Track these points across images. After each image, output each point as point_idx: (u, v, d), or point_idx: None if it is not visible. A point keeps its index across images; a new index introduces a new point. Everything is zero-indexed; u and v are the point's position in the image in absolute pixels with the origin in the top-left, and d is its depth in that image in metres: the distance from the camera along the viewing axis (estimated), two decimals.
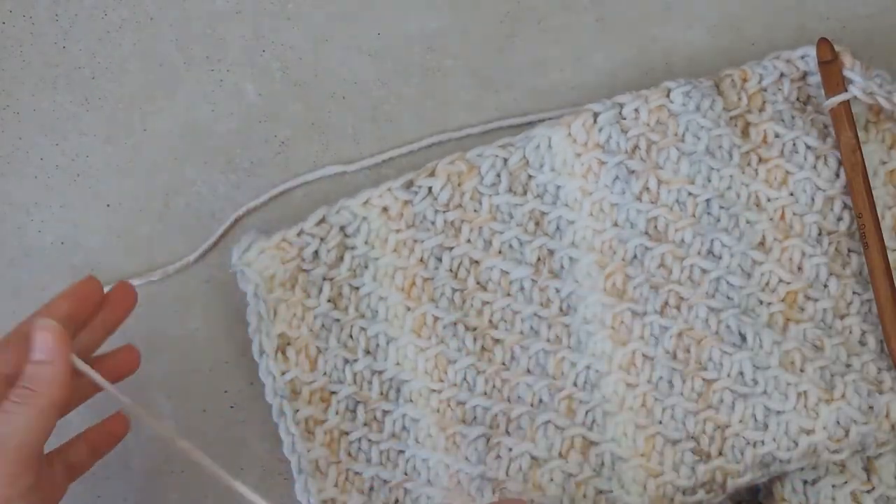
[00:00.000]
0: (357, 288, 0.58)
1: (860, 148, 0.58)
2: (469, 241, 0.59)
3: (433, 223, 0.59)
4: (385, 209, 0.59)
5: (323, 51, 0.63)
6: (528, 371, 0.57)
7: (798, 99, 0.60)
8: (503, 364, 0.58)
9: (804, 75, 0.60)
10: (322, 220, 0.59)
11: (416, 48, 0.63)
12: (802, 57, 0.60)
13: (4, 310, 0.61)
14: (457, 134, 0.62)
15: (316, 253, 0.58)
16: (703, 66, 0.63)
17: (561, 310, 0.58)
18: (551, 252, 0.59)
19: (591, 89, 0.63)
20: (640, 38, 0.63)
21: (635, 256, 0.58)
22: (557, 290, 0.58)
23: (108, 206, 0.62)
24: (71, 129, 0.62)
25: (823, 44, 0.59)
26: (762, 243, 0.58)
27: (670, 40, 0.63)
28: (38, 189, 0.62)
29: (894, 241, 0.58)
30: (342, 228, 0.59)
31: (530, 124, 0.62)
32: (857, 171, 0.58)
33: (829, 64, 0.59)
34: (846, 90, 0.58)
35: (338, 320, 0.58)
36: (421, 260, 0.58)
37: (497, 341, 0.58)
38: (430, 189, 0.59)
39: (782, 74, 0.60)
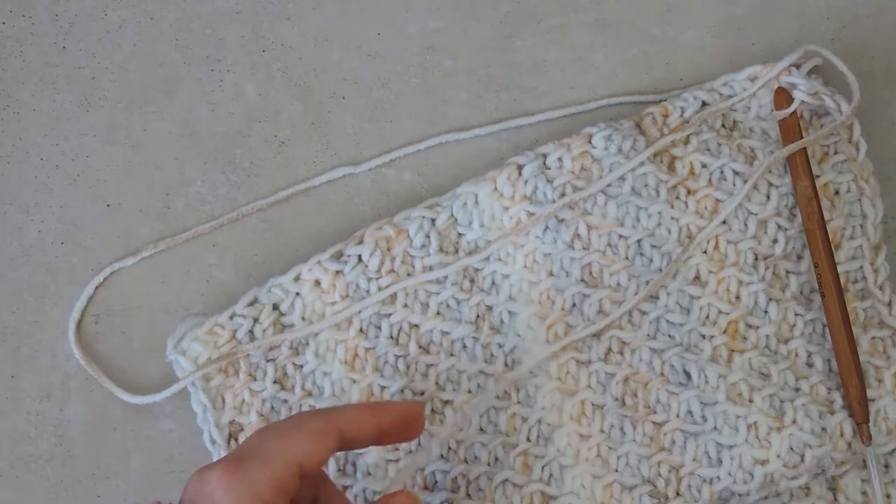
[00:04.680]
0: (301, 366, 0.58)
1: (817, 196, 0.57)
2: (406, 305, 0.58)
3: (367, 291, 0.58)
4: (317, 282, 0.58)
5: (323, 51, 0.63)
6: (482, 430, 0.57)
7: (724, 125, 0.60)
8: (456, 425, 0.57)
9: (727, 101, 0.60)
10: (254, 301, 0.58)
11: (416, 48, 0.63)
12: (725, 83, 0.60)
13: (4, 310, 0.61)
14: (462, 135, 0.62)
15: (251, 333, 0.57)
16: (703, 66, 0.63)
17: (506, 364, 0.57)
18: (489, 308, 0.58)
19: (591, 89, 0.63)
20: (640, 38, 0.63)
21: (574, 304, 0.58)
22: (500, 346, 0.57)
23: (108, 206, 0.62)
24: (71, 129, 0.62)
25: (781, 93, 0.59)
26: (697, 277, 0.58)
27: (670, 40, 0.63)
28: (38, 189, 0.62)
29: (836, 255, 0.58)
30: (276, 307, 0.58)
31: (531, 125, 0.62)
32: (813, 220, 0.57)
33: (787, 119, 0.59)
34: (801, 137, 0.58)
35: (286, 401, 0.57)
36: (360, 330, 0.58)
37: (446, 403, 0.57)
38: (359, 257, 0.58)
39: (704, 104, 0.60)
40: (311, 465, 0.44)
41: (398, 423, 0.49)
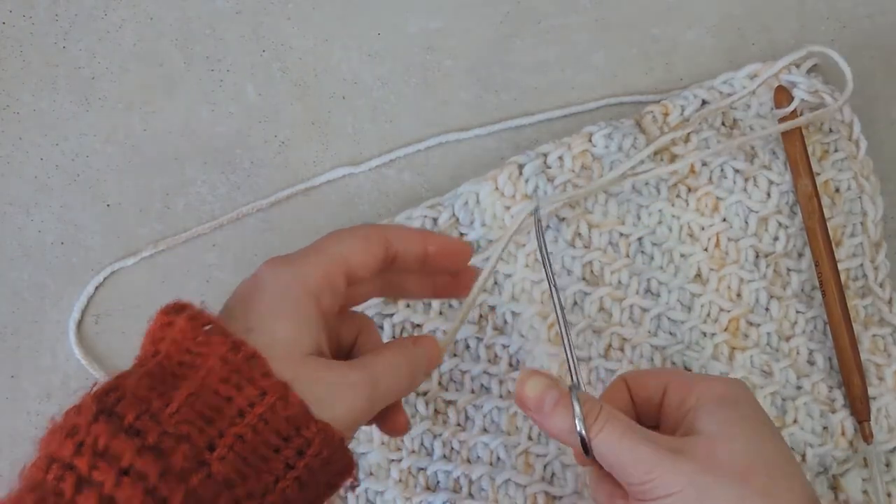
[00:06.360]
0: None
1: (817, 194, 0.58)
2: (408, 305, 0.58)
3: None
4: None
5: (323, 51, 0.63)
6: (484, 429, 0.57)
7: (724, 124, 0.60)
8: (459, 425, 0.57)
9: (727, 98, 0.60)
10: None
11: (416, 48, 0.63)
12: (725, 82, 0.60)
13: (4, 310, 0.60)
14: (462, 135, 0.62)
15: None
16: (703, 66, 0.63)
17: (511, 365, 0.57)
18: (492, 308, 0.58)
19: (591, 89, 0.63)
20: (640, 38, 0.63)
21: (575, 303, 0.58)
22: (505, 346, 0.58)
23: (108, 206, 0.62)
24: (71, 129, 0.62)
25: (781, 91, 0.59)
26: (698, 275, 0.58)
27: (670, 40, 0.63)
28: (38, 189, 0.62)
29: (837, 252, 0.58)
30: None
31: (531, 124, 0.62)
32: (814, 219, 0.58)
33: (787, 117, 0.59)
34: (802, 136, 0.58)
35: None
36: None
37: (449, 403, 0.57)
38: None
39: (704, 102, 0.60)
40: (356, 264, 0.45)
41: (443, 252, 0.48)
